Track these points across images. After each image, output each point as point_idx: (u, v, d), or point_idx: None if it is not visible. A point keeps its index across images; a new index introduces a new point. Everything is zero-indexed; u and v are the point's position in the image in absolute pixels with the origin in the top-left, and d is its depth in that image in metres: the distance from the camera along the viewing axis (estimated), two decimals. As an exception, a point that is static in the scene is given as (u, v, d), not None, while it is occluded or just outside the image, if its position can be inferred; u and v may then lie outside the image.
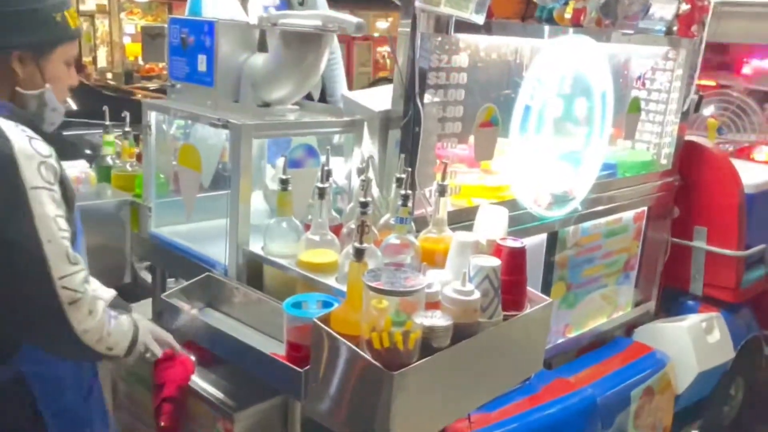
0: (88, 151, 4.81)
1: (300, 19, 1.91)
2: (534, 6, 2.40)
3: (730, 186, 3.18)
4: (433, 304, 1.49)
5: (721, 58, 4.69)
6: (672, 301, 3.32)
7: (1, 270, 1.29)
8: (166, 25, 2.15)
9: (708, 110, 4.48)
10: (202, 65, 2.00)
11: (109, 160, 2.40)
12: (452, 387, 1.53)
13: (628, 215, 2.91)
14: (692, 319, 3.13)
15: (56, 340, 1.39)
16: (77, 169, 2.29)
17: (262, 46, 2.09)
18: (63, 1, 1.46)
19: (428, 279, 1.50)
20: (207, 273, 1.97)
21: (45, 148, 1.35)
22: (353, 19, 1.87)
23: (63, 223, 1.34)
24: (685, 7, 2.72)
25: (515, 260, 1.64)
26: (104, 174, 2.38)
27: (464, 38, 2.03)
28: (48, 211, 1.31)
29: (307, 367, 1.49)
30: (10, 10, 1.37)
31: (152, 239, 2.19)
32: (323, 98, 2.74)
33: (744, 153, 4.09)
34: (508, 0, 2.49)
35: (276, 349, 1.66)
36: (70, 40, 1.50)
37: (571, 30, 2.31)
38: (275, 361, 1.59)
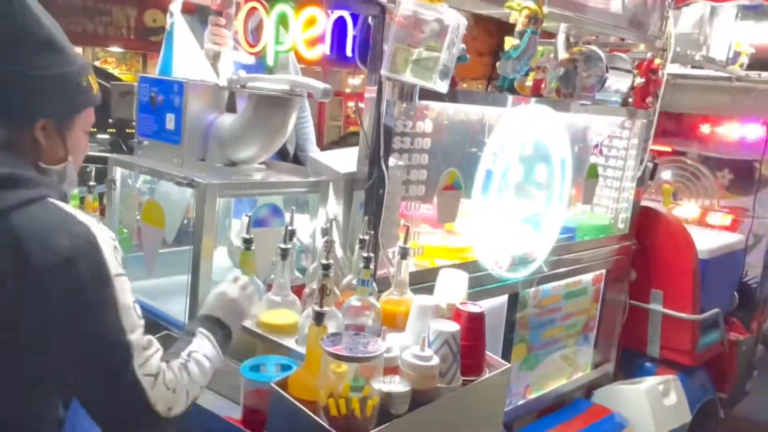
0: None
1: (269, 83, 1.93)
2: (497, 53, 2.46)
3: (685, 251, 3.24)
4: (392, 369, 1.48)
5: (676, 126, 4.81)
6: (630, 362, 3.34)
7: (84, 363, 1.25)
8: (135, 84, 2.14)
9: (666, 175, 4.59)
10: (170, 123, 2.01)
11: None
12: (410, 454, 1.51)
13: (587, 277, 2.94)
14: (650, 382, 3.14)
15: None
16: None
17: (231, 107, 2.10)
18: (87, 64, 1.40)
19: (388, 344, 1.50)
20: (166, 332, 1.93)
21: (110, 231, 1.30)
22: (320, 85, 1.89)
23: (139, 310, 1.30)
24: (639, 80, 2.81)
25: (474, 325, 1.64)
26: (67, 228, 2.34)
27: (429, 105, 2.06)
28: (128, 299, 1.27)
29: (264, 432, 1.47)
30: (37, 74, 1.28)
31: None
32: (295, 152, 2.77)
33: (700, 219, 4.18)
34: (476, 63, 2.54)
35: (232, 412, 1.63)
36: (92, 105, 1.42)
37: (532, 99, 2.36)
38: (232, 425, 1.57)
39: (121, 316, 1.24)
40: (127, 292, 1.27)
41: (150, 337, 1.33)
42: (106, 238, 1.24)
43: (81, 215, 1.25)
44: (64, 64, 1.32)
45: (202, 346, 1.49)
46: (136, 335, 1.27)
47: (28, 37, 1.27)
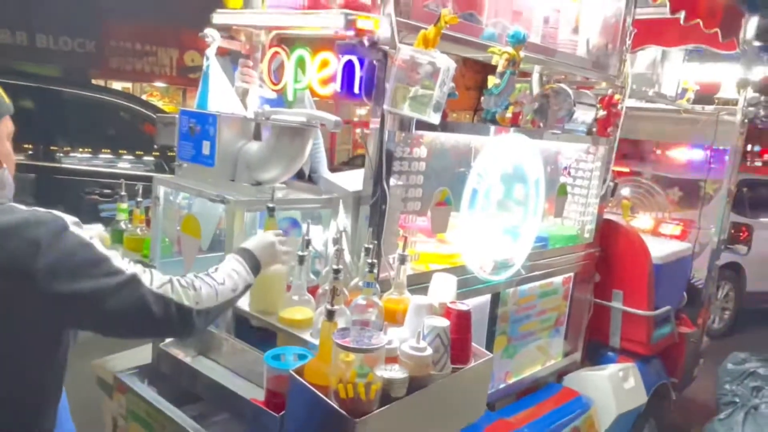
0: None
1: (289, 116, 1.94)
2: (481, 90, 2.47)
3: (641, 257, 3.24)
4: (392, 359, 1.48)
5: (633, 151, 4.84)
6: (595, 352, 3.33)
7: (110, 307, 1.21)
8: (177, 115, 2.15)
9: (624, 192, 4.60)
10: (205, 149, 2.01)
11: (122, 225, 2.37)
12: (408, 430, 1.50)
13: (557, 279, 2.93)
14: (611, 369, 3.14)
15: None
16: (94, 231, 2.25)
17: (257, 135, 2.10)
18: None
19: (389, 337, 1.50)
20: (204, 327, 1.94)
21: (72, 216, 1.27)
22: (332, 118, 1.90)
23: (123, 257, 1.29)
24: (602, 112, 2.82)
25: (462, 321, 1.65)
26: (117, 236, 2.35)
27: (424, 134, 2.06)
28: (109, 251, 1.25)
29: (283, 412, 1.47)
30: None
31: (155, 294, 2.16)
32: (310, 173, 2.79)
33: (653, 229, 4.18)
34: (464, 96, 2.56)
35: (257, 394, 1.62)
36: (8, 113, 1.35)
37: (511, 129, 2.36)
38: (256, 406, 1.56)
39: (111, 262, 1.22)
40: (103, 247, 1.25)
41: (145, 267, 1.32)
42: (68, 218, 1.21)
43: (43, 210, 1.22)
44: None
45: (225, 266, 1.50)
46: (132, 267, 1.25)
47: None
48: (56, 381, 1.30)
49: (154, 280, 1.27)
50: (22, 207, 1.20)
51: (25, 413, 1.25)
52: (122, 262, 1.25)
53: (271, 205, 1.82)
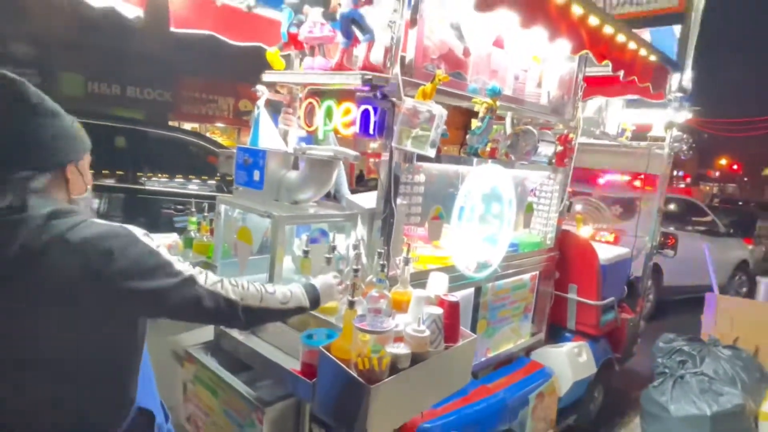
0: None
1: (319, 151, 1.96)
2: (466, 130, 2.49)
3: (591, 259, 3.23)
4: (398, 338, 1.49)
5: (584, 176, 4.83)
6: (555, 333, 3.30)
7: (173, 301, 1.17)
8: (234, 150, 2.17)
9: (578, 208, 4.58)
10: (256, 176, 2.03)
11: (192, 234, 2.39)
12: (410, 394, 1.51)
13: (526, 276, 2.92)
14: (568, 346, 3.12)
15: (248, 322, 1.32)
16: (171, 239, 2.28)
17: (295, 166, 2.12)
18: (74, 119, 1.26)
19: (396, 322, 1.51)
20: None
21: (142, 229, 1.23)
22: (352, 153, 1.92)
23: (183, 260, 1.24)
24: (559, 147, 2.82)
25: (452, 310, 1.65)
26: (188, 243, 2.37)
27: (422, 164, 2.08)
28: (171, 256, 1.20)
29: (315, 379, 1.47)
30: (61, 131, 1.18)
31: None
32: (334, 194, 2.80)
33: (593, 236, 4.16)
34: (453, 134, 2.57)
35: (294, 365, 1.63)
36: (89, 149, 1.28)
37: (489, 160, 2.37)
38: (294, 374, 1.57)
39: (173, 266, 1.18)
40: (167, 253, 1.19)
41: (202, 269, 1.26)
42: (138, 231, 1.16)
43: (118, 224, 1.16)
44: (65, 121, 1.21)
45: (287, 286, 1.45)
46: (190, 270, 1.21)
47: (46, 108, 1.17)
48: (135, 359, 1.26)
49: (208, 279, 1.23)
50: (101, 222, 1.15)
51: (115, 387, 1.22)
52: (182, 266, 1.21)
53: (306, 249, 1.83)
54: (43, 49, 12.22)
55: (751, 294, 6.94)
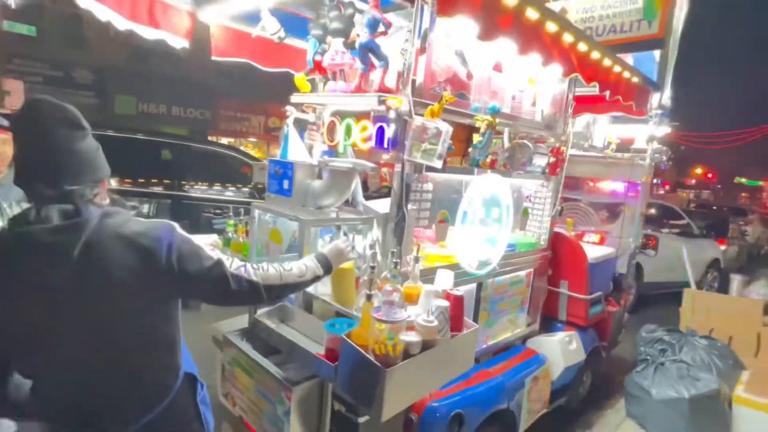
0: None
1: (340, 163, 1.97)
2: (468, 143, 2.48)
3: (580, 258, 3.19)
4: (410, 327, 1.48)
5: (574, 184, 4.77)
6: (548, 323, 3.27)
7: (203, 281, 1.20)
8: (267, 162, 2.18)
9: (567, 211, 4.54)
10: (285, 185, 2.04)
11: (230, 235, 2.41)
12: (420, 377, 1.50)
13: (522, 273, 2.90)
14: (560, 335, 3.08)
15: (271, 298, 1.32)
16: (211, 239, 2.29)
17: (319, 176, 2.12)
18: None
19: (408, 313, 1.50)
20: (281, 303, 1.95)
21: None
22: (369, 164, 1.92)
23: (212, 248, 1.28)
24: (552, 159, 2.80)
25: (457, 303, 1.64)
26: (227, 242, 2.38)
27: (430, 174, 2.07)
28: (201, 243, 1.24)
29: (337, 363, 1.48)
30: (99, 150, 1.21)
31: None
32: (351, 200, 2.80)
33: (580, 237, 4.11)
34: (457, 147, 2.56)
35: (319, 350, 1.64)
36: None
37: (489, 170, 2.36)
38: (318, 358, 1.58)
39: (204, 251, 1.21)
40: (198, 241, 1.23)
41: (229, 257, 1.28)
42: (174, 224, 1.21)
43: (157, 220, 1.21)
44: (97, 143, 1.22)
45: (301, 260, 1.46)
46: (217, 254, 1.24)
47: (87, 129, 1.19)
48: (179, 331, 1.29)
49: (233, 264, 1.26)
50: (143, 219, 1.20)
51: (168, 354, 1.26)
52: (211, 252, 1.24)
53: (338, 224, 1.84)
54: (101, 74, 12.45)
55: (721, 289, 6.81)
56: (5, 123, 2.18)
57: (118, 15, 2.22)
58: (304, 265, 1.44)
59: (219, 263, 1.22)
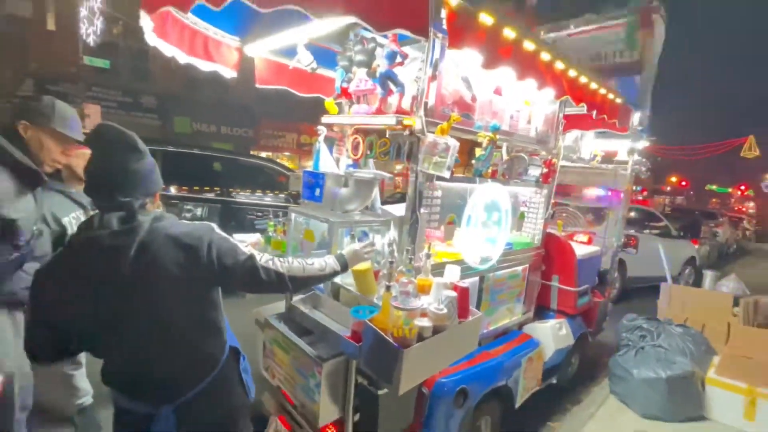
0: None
1: (363, 174, 1.97)
2: (472, 156, 2.45)
3: (569, 255, 3.14)
4: (423, 314, 1.48)
5: (564, 191, 4.69)
6: (541, 312, 3.23)
7: (237, 271, 1.21)
8: (302, 173, 2.20)
9: (558, 214, 4.46)
10: (317, 192, 2.05)
11: (270, 234, 2.41)
12: (432, 357, 1.49)
13: (519, 268, 2.86)
14: (551, 322, 3.03)
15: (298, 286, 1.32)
16: (255, 237, 2.32)
17: (345, 184, 2.14)
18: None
19: (421, 302, 1.50)
20: (314, 292, 1.96)
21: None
22: (387, 174, 1.93)
23: (245, 246, 1.28)
24: (545, 170, 2.76)
25: (464, 294, 1.63)
26: (267, 240, 2.37)
27: (439, 183, 2.07)
28: (236, 241, 1.26)
29: (361, 343, 1.48)
30: (154, 168, 1.24)
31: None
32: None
33: (570, 237, 4.03)
34: (463, 159, 2.55)
35: (345, 332, 1.64)
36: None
37: (489, 180, 2.34)
38: (345, 339, 1.58)
39: (240, 248, 1.23)
40: (234, 239, 1.25)
41: (259, 252, 1.28)
42: (213, 225, 1.24)
43: (197, 221, 1.23)
44: (153, 162, 1.26)
45: (323, 257, 1.45)
46: (250, 250, 1.25)
47: (146, 151, 1.22)
48: (222, 312, 1.31)
49: (263, 258, 1.27)
50: (186, 221, 1.23)
51: (216, 331, 1.28)
52: (245, 248, 1.26)
53: (353, 233, 1.85)
54: (163, 100, 12.75)
55: (696, 284, 6.62)
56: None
57: (179, 51, 2.27)
58: (325, 261, 1.45)
59: (251, 257, 1.24)
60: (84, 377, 2.29)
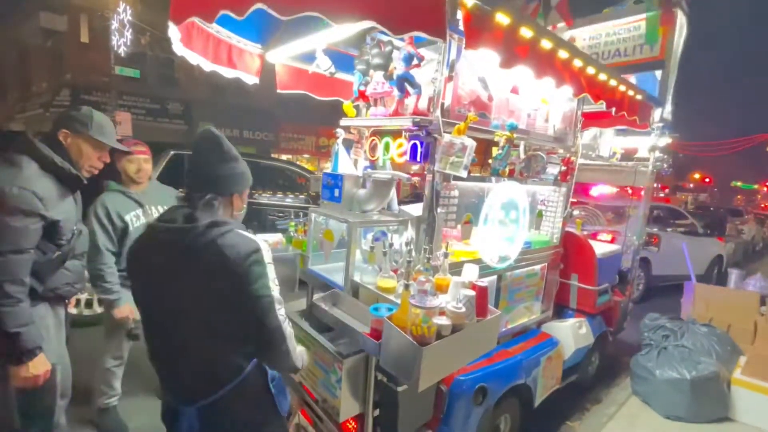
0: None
1: (380, 174, 1.97)
2: (489, 155, 2.42)
3: (589, 254, 3.06)
4: (442, 312, 1.46)
5: (583, 189, 4.59)
6: (560, 311, 3.16)
7: (252, 305, 1.14)
8: (320, 174, 2.22)
9: (577, 213, 4.36)
10: (336, 193, 2.05)
11: (291, 233, 2.44)
12: (450, 355, 1.48)
13: (537, 267, 2.81)
14: (571, 321, 2.96)
15: (282, 360, 1.23)
16: (277, 237, 2.35)
17: (363, 185, 2.14)
18: (248, 170, 1.30)
19: (439, 300, 1.48)
20: (334, 290, 1.97)
21: (266, 244, 1.20)
22: (404, 175, 1.92)
23: (277, 285, 1.20)
24: (563, 168, 2.70)
25: (482, 292, 1.60)
26: (289, 240, 2.42)
27: (456, 182, 2.04)
28: (273, 276, 1.18)
29: (380, 340, 1.47)
30: (236, 171, 1.25)
31: (309, 272, 2.20)
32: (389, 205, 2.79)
33: (594, 236, 3.93)
34: (477, 157, 2.51)
35: (365, 329, 1.63)
36: (251, 183, 1.33)
37: (507, 178, 2.31)
38: (365, 336, 1.57)
39: (270, 284, 1.15)
40: (272, 273, 1.17)
41: (281, 298, 1.18)
42: (264, 246, 1.17)
43: (251, 236, 1.17)
44: (243, 168, 1.27)
45: (302, 349, 1.38)
46: (277, 295, 1.17)
47: (230, 156, 1.24)
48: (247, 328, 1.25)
49: (280, 311, 1.19)
50: (243, 233, 1.17)
51: (240, 343, 1.22)
52: (274, 289, 1.17)
53: (371, 245, 1.85)
54: (188, 106, 13.08)
55: (719, 282, 6.34)
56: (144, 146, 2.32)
57: (204, 59, 2.33)
58: (301, 355, 1.36)
59: (271, 299, 1.15)
60: (119, 378, 2.37)
